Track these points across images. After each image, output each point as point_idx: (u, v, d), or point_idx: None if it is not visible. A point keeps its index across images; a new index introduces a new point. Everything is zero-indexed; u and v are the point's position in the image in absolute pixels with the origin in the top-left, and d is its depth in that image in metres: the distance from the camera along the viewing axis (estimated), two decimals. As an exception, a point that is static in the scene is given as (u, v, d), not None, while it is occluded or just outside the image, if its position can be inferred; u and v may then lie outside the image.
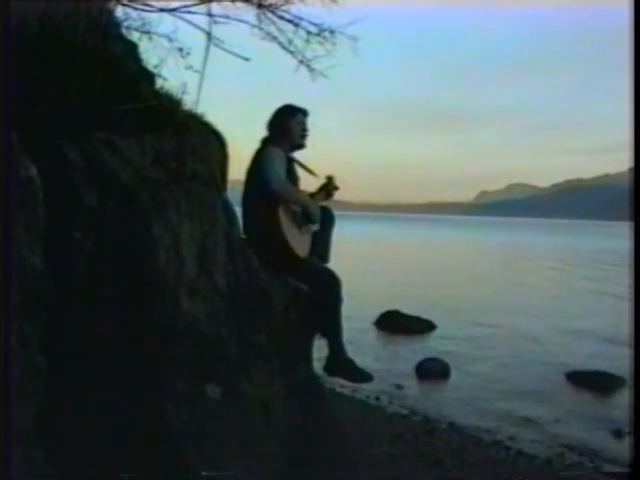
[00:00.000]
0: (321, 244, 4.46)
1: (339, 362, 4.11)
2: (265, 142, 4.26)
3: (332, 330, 4.13)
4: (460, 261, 35.47)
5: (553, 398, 9.02)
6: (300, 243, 4.22)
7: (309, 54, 5.52)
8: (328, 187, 4.49)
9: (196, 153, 3.57)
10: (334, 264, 4.41)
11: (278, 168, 4.07)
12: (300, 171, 4.45)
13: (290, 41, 5.53)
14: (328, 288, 4.12)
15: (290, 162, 4.30)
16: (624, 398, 8.69)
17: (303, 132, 4.35)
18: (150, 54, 4.15)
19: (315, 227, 4.42)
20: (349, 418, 6.30)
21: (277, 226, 4.06)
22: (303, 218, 4.30)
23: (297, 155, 4.42)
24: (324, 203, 4.52)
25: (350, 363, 4.15)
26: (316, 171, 4.48)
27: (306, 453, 3.84)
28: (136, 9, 4.82)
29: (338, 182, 4.53)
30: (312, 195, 4.46)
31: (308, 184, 4.50)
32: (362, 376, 4.24)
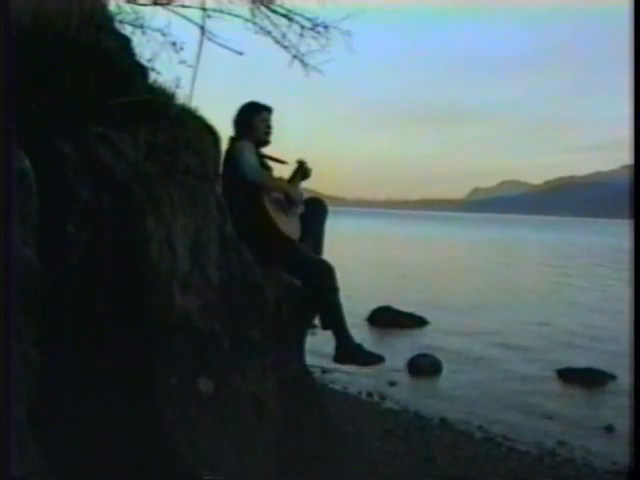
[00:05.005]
0: (314, 237, 4.50)
1: (348, 349, 4.14)
2: (232, 140, 4.34)
3: (334, 319, 4.16)
4: (452, 257, 35.54)
5: (544, 395, 9.05)
6: (289, 226, 4.27)
7: (303, 48, 5.54)
8: (302, 170, 4.58)
9: (190, 147, 3.57)
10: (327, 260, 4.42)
11: (250, 159, 4.16)
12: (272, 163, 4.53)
13: (284, 35, 5.54)
14: (323, 278, 4.15)
15: (259, 156, 4.36)
16: (615, 395, 8.74)
17: (267, 129, 4.43)
18: (143, 48, 4.14)
19: (300, 210, 4.48)
20: (341, 414, 6.32)
21: (265, 212, 4.12)
22: (287, 202, 4.37)
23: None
24: (316, 195, 4.59)
25: (359, 348, 4.18)
26: (286, 159, 4.58)
27: (298, 448, 3.85)
28: (129, 2, 4.82)
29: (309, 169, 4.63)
30: (289, 180, 4.55)
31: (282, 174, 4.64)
32: (373, 358, 4.25)
